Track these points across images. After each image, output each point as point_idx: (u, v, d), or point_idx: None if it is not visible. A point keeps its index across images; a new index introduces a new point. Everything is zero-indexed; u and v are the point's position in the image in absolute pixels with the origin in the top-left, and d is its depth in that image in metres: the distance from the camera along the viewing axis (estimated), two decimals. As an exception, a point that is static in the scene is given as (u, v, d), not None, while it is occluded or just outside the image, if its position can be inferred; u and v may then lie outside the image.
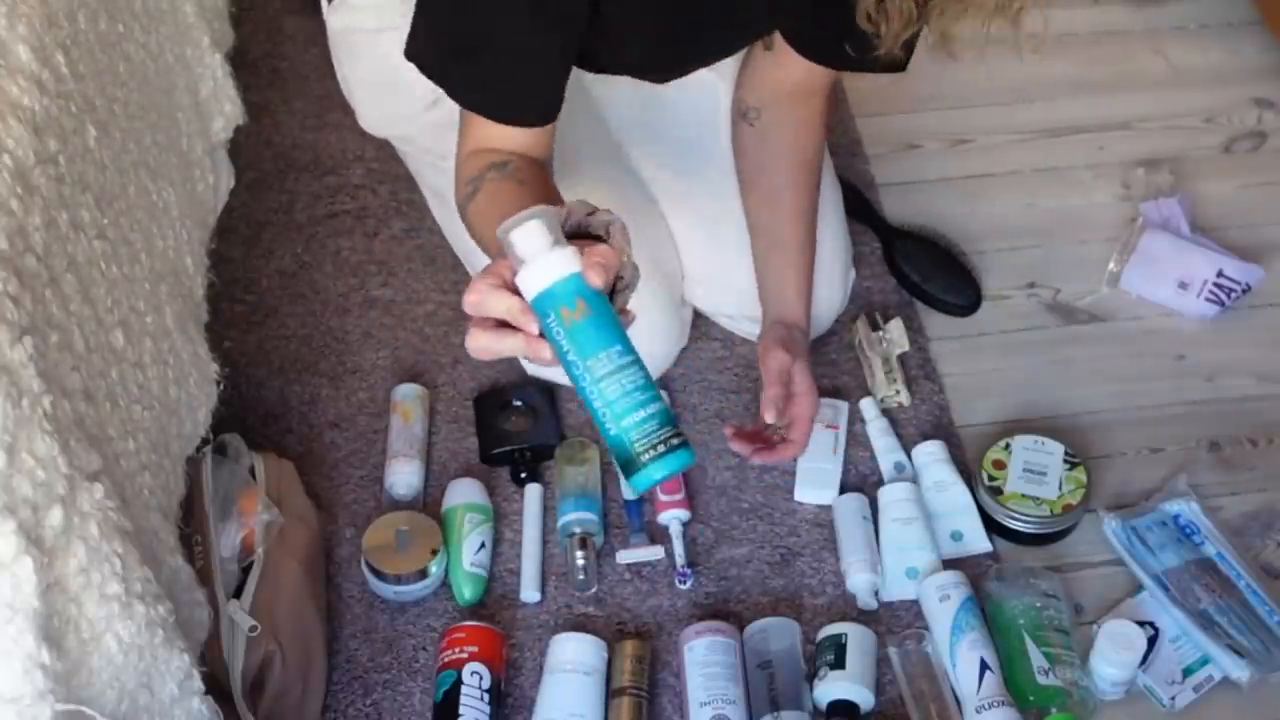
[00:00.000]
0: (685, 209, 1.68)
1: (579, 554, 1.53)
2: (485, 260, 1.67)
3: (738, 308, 1.70)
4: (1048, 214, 1.93)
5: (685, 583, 1.55)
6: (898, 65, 1.49)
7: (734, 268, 1.64)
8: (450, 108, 1.54)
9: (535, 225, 1.03)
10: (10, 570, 0.94)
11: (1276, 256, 1.85)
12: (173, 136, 1.50)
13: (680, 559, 1.56)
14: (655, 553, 1.57)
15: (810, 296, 1.61)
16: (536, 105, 1.33)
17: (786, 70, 1.54)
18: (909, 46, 1.48)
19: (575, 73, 1.68)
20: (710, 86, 1.65)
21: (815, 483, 1.61)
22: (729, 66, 1.64)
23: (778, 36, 1.52)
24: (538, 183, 1.32)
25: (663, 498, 1.59)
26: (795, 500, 1.61)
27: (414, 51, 1.34)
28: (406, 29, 1.59)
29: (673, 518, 1.58)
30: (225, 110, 1.70)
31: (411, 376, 1.71)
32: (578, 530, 1.55)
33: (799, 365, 1.53)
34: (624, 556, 1.56)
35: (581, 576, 1.53)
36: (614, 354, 1.03)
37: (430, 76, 1.34)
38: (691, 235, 1.68)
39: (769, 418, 1.51)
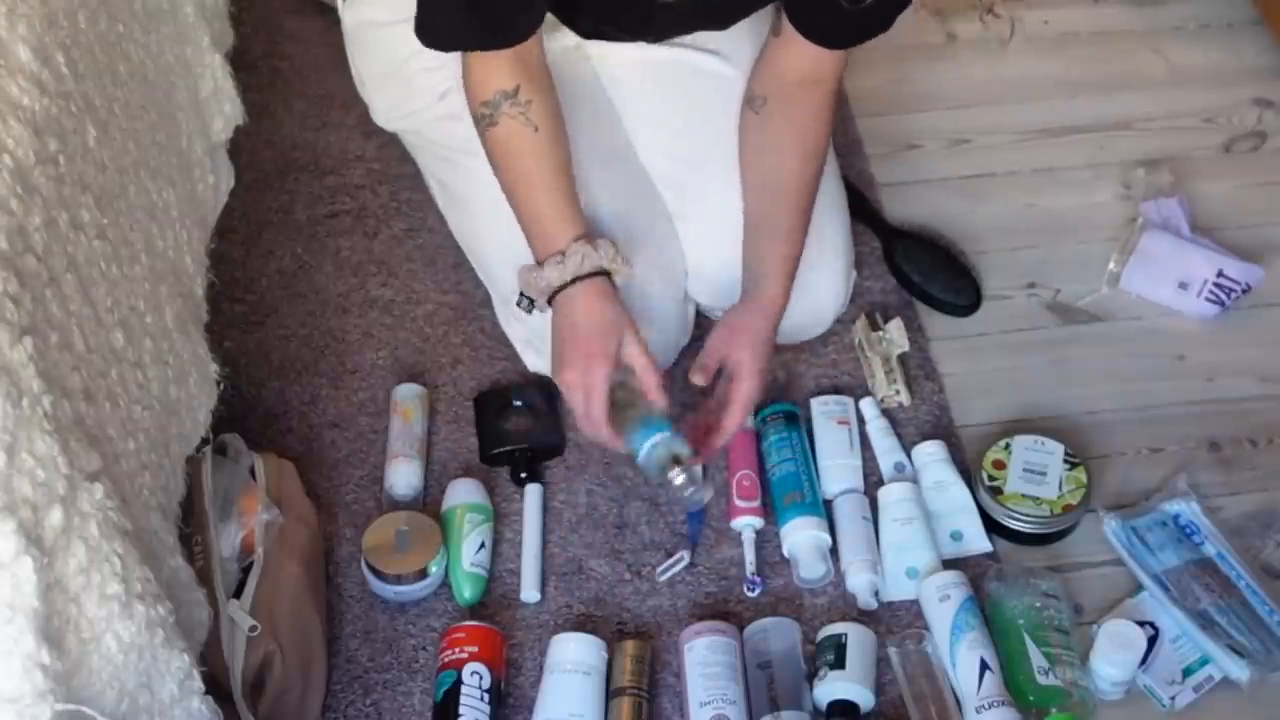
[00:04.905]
0: (691, 202, 1.68)
1: (675, 472, 1.44)
2: (486, 260, 1.69)
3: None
4: (1048, 214, 1.93)
5: (754, 590, 1.54)
6: (885, 24, 1.53)
7: (738, 262, 1.64)
8: (458, 100, 1.55)
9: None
10: (10, 570, 0.94)
11: (1276, 256, 1.85)
12: (173, 136, 1.50)
13: (750, 566, 1.55)
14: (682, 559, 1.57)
15: (790, 281, 1.58)
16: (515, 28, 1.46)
17: (793, 57, 1.57)
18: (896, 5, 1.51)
19: (589, 62, 1.70)
20: (726, 79, 1.66)
21: (840, 479, 1.62)
22: (745, 57, 1.65)
23: (784, 20, 1.55)
24: (549, 123, 1.50)
25: (739, 503, 1.58)
26: (824, 496, 1.60)
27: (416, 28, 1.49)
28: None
29: (746, 524, 1.58)
30: (225, 110, 1.70)
31: (411, 376, 1.71)
32: (663, 452, 1.45)
33: (745, 349, 1.52)
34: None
35: (689, 492, 1.46)
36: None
37: (422, 39, 1.49)
38: (696, 230, 1.68)
39: (694, 379, 1.52)
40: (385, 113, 1.79)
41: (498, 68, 1.49)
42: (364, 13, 1.72)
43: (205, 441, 1.43)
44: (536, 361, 1.69)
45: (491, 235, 1.67)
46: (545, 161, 1.50)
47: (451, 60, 1.60)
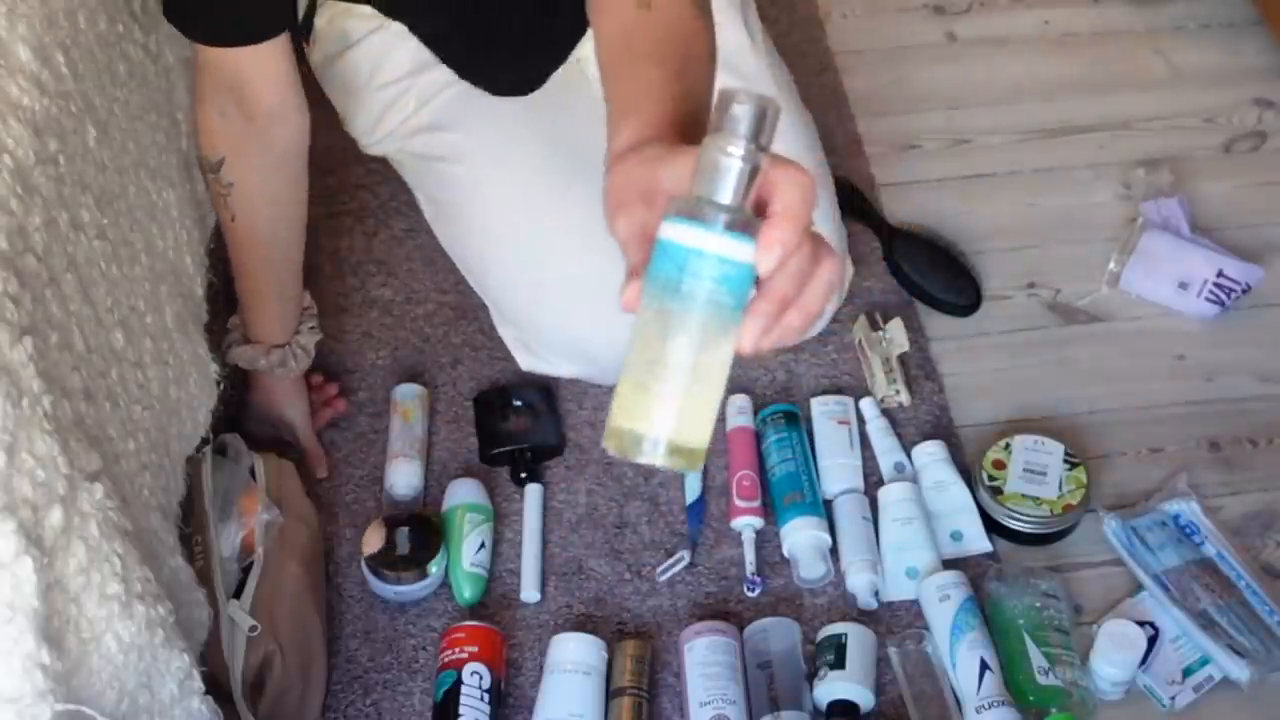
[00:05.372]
0: None
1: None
2: (479, 270, 1.69)
3: None
4: (1048, 214, 1.93)
5: (754, 590, 1.54)
6: None
7: None
8: (432, 110, 1.54)
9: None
10: (10, 570, 0.94)
11: (1276, 256, 1.85)
12: (173, 136, 1.50)
13: (750, 566, 1.55)
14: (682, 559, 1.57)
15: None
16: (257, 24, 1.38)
17: None
18: None
19: (585, 74, 1.69)
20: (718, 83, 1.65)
21: (840, 479, 1.62)
22: (736, 63, 1.64)
23: None
24: (248, 213, 1.47)
25: (739, 503, 1.58)
26: (823, 496, 1.60)
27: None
28: (366, 44, 1.60)
29: (746, 524, 1.58)
30: (225, 110, 1.70)
31: (411, 376, 1.71)
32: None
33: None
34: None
35: None
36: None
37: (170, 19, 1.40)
38: None
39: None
40: (365, 138, 1.77)
41: (219, 126, 1.42)
42: (323, 49, 1.71)
43: (205, 441, 1.43)
44: (530, 361, 1.69)
45: (483, 243, 1.66)
46: (243, 254, 1.53)
47: (410, 73, 1.60)
